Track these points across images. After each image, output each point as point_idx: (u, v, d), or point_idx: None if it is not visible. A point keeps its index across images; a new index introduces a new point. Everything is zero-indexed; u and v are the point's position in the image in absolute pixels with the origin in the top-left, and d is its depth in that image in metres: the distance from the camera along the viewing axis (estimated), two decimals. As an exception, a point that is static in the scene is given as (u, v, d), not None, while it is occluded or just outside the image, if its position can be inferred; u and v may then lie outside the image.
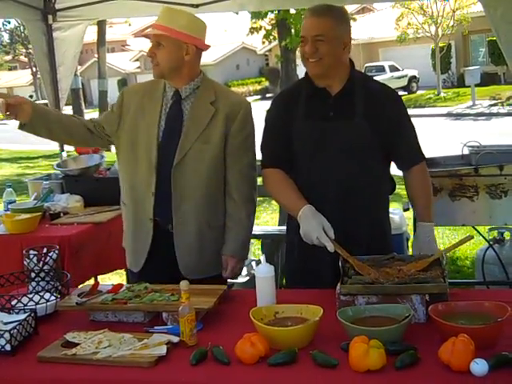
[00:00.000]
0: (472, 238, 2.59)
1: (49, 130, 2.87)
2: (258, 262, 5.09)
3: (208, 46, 2.88)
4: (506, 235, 4.49)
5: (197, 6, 5.42)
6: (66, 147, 5.82)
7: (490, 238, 4.52)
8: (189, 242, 2.85)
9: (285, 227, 5.70)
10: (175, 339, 2.10)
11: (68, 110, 14.71)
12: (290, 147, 2.74)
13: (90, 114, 23.59)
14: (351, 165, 2.65)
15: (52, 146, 17.24)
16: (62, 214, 4.24)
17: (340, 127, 2.65)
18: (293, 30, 13.09)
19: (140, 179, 2.85)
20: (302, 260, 2.76)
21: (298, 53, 14.09)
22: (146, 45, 46.10)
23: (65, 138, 3.06)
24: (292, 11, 12.40)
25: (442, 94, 25.24)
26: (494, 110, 20.59)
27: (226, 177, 2.88)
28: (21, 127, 2.80)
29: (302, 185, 2.73)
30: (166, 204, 2.81)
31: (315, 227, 2.52)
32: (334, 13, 2.63)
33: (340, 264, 2.42)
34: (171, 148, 2.80)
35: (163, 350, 2.03)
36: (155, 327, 2.25)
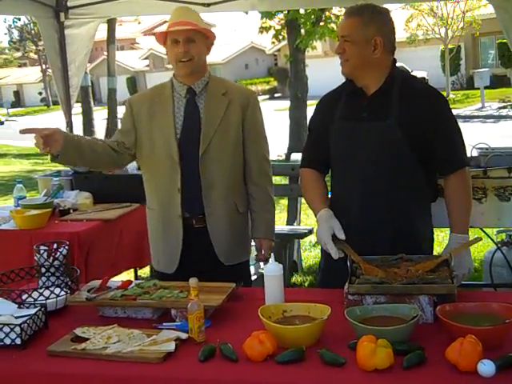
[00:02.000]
0: (480, 239, 2.59)
1: (81, 157, 2.86)
2: (266, 261, 5.11)
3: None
4: (514, 238, 4.49)
5: (208, 5, 5.41)
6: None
7: (498, 240, 4.52)
8: (222, 228, 2.99)
9: (292, 227, 5.75)
10: (184, 336, 2.11)
11: (77, 108, 14.74)
12: (328, 149, 2.75)
13: (99, 112, 23.65)
14: (378, 167, 2.60)
15: (61, 143, 17.32)
16: (71, 211, 4.27)
17: (371, 129, 2.61)
18: (302, 30, 13.05)
19: (164, 180, 2.96)
20: (328, 259, 2.70)
21: (307, 53, 14.07)
22: (155, 43, 46.04)
23: (95, 162, 3.05)
24: (302, 11, 12.36)
25: (451, 96, 25.14)
26: (504, 112, 20.52)
27: (248, 163, 3.05)
28: (53, 159, 2.77)
29: (334, 185, 2.78)
30: (193, 197, 2.93)
31: (325, 232, 2.55)
32: (364, 13, 2.59)
33: (348, 263, 2.43)
34: (192, 142, 2.91)
35: (172, 346, 2.05)
36: (164, 323, 2.27)
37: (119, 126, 3.13)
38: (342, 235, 2.52)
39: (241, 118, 3.00)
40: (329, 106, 2.78)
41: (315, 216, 2.69)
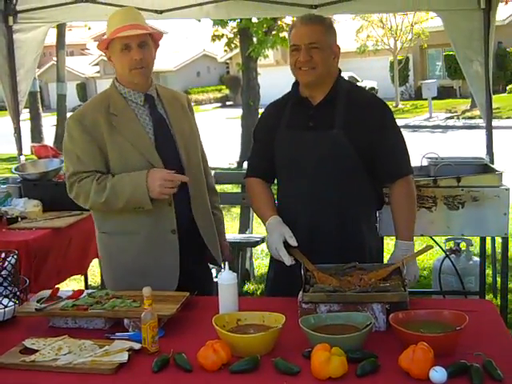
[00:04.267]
0: (432, 247, 2.63)
1: None
2: (219, 270, 5.09)
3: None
4: (462, 246, 4.59)
5: (161, 12, 5.37)
6: (25, 151, 5.73)
7: (447, 248, 4.60)
8: (212, 235, 2.93)
9: (244, 235, 5.74)
10: (137, 346, 2.09)
11: (25, 114, 14.47)
12: (274, 158, 2.75)
13: (48, 118, 23.23)
14: (325, 176, 2.63)
15: (8, 149, 16.96)
16: (19, 219, 4.18)
17: (317, 138, 2.63)
18: (255, 39, 13.12)
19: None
20: (277, 268, 2.73)
21: (259, 61, 14.14)
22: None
23: None
24: (254, 20, 12.42)
25: (400, 106, 25.64)
26: (450, 122, 21.00)
27: (205, 168, 3.00)
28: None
29: (281, 193, 2.78)
30: (183, 209, 2.77)
31: (275, 239, 2.56)
32: (324, 22, 2.65)
33: (302, 272, 2.43)
34: (170, 152, 2.76)
35: (125, 356, 2.02)
36: (116, 334, 2.23)
37: (71, 155, 2.74)
38: (293, 242, 2.53)
39: (191, 122, 2.92)
40: (274, 114, 2.80)
41: (264, 224, 2.69)
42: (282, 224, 2.60)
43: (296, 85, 2.76)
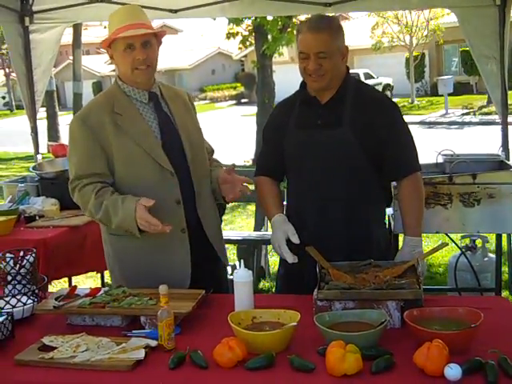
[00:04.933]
0: (447, 245, 2.63)
1: None
2: (234, 267, 5.11)
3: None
4: (478, 243, 4.56)
5: (176, 11, 5.42)
6: (42, 149, 5.79)
7: (463, 245, 4.59)
8: (216, 232, 2.88)
9: (260, 232, 5.76)
10: (153, 343, 2.11)
11: (42, 112, 14.58)
12: (283, 156, 2.77)
13: (65, 117, 23.37)
14: (333, 174, 2.65)
15: (25, 148, 17.12)
16: (37, 217, 4.22)
17: (325, 136, 2.65)
18: (269, 37, 13.11)
19: (158, 195, 2.57)
20: (288, 266, 2.72)
21: (274, 59, 14.13)
22: (121, 48, 45.57)
23: None
24: (269, 17, 12.41)
25: (416, 103, 25.49)
26: (467, 119, 20.88)
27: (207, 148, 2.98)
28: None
29: (290, 192, 2.80)
30: (189, 207, 2.74)
31: (279, 237, 2.60)
32: (331, 25, 2.62)
33: (317, 269, 2.45)
34: (176, 150, 2.73)
35: (141, 353, 2.04)
36: (133, 331, 2.25)
37: (72, 158, 2.72)
38: (296, 239, 2.56)
39: (194, 118, 2.91)
40: (283, 113, 2.82)
41: (269, 221, 2.72)
42: (286, 222, 2.64)
43: (304, 83, 2.77)
